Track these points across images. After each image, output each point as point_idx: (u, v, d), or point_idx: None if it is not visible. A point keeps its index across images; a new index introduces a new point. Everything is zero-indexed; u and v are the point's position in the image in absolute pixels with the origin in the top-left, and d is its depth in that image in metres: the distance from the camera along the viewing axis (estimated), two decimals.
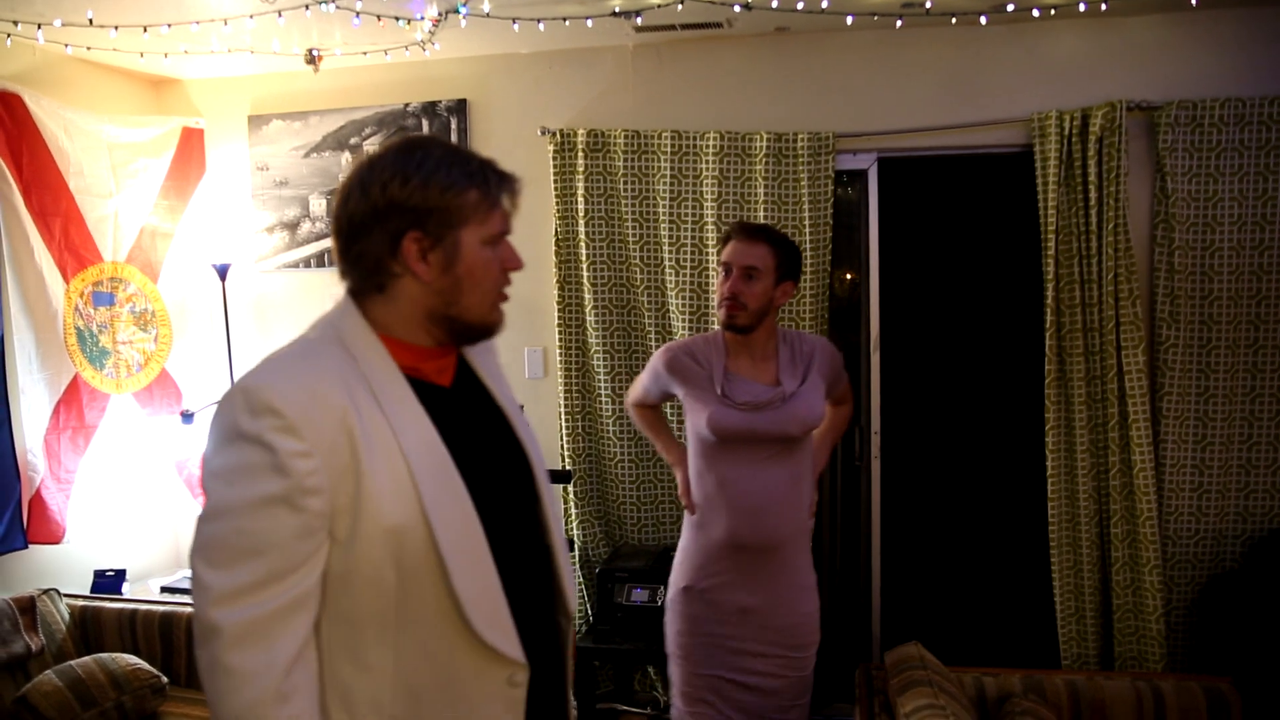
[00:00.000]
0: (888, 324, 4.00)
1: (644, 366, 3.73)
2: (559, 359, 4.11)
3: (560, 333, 4.09)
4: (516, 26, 3.54)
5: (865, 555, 4.08)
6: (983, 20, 3.56)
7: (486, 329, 1.55)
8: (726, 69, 3.97)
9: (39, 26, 3.33)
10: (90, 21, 3.22)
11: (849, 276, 4.34)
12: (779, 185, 3.86)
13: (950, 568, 4.78)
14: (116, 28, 3.21)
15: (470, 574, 1.44)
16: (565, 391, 4.11)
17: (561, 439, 4.13)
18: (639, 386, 3.09)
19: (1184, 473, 3.65)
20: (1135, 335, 3.58)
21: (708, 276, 3.93)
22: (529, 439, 1.64)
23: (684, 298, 3.97)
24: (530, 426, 1.68)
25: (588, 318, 4.08)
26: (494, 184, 1.49)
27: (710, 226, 3.91)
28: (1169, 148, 3.57)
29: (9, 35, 3.40)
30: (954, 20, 3.60)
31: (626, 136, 3.97)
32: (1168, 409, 3.63)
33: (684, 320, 3.97)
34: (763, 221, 3.80)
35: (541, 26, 3.57)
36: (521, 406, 1.73)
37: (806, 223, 3.83)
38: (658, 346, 4.01)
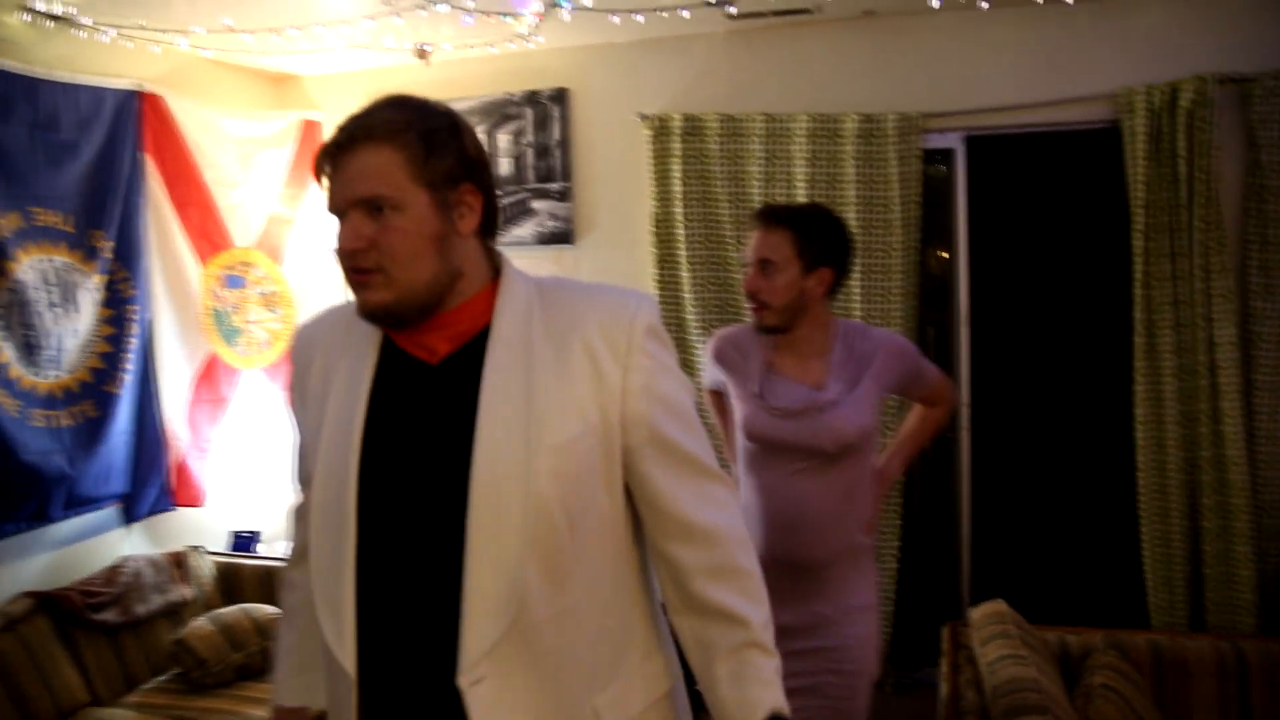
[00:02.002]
0: (979, 299, 4.09)
1: None
2: None
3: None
4: (615, 19, 3.73)
5: (955, 523, 4.20)
6: None
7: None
8: (815, 52, 4.10)
9: (183, 34, 3.64)
10: (229, 28, 3.50)
11: (943, 254, 4.43)
12: (868, 165, 3.97)
13: (1040, 537, 4.85)
14: (252, 33, 3.49)
15: (325, 557, 1.39)
16: None
17: None
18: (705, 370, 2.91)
19: (1279, 444, 3.68)
20: (1227, 308, 3.61)
21: None
22: (499, 458, 1.33)
23: None
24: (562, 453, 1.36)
25: (685, 295, 4.26)
26: (320, 160, 1.42)
27: None
28: (1262, 120, 3.58)
29: (156, 43, 3.71)
30: None
31: (720, 120, 4.14)
32: (1261, 381, 3.65)
33: None
34: (852, 200, 3.93)
35: (639, 18, 3.75)
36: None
37: (896, 202, 3.94)
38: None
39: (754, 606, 1.42)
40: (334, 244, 1.38)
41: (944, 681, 2.62)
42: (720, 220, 4.19)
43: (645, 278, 4.30)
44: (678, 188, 4.21)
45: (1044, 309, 4.97)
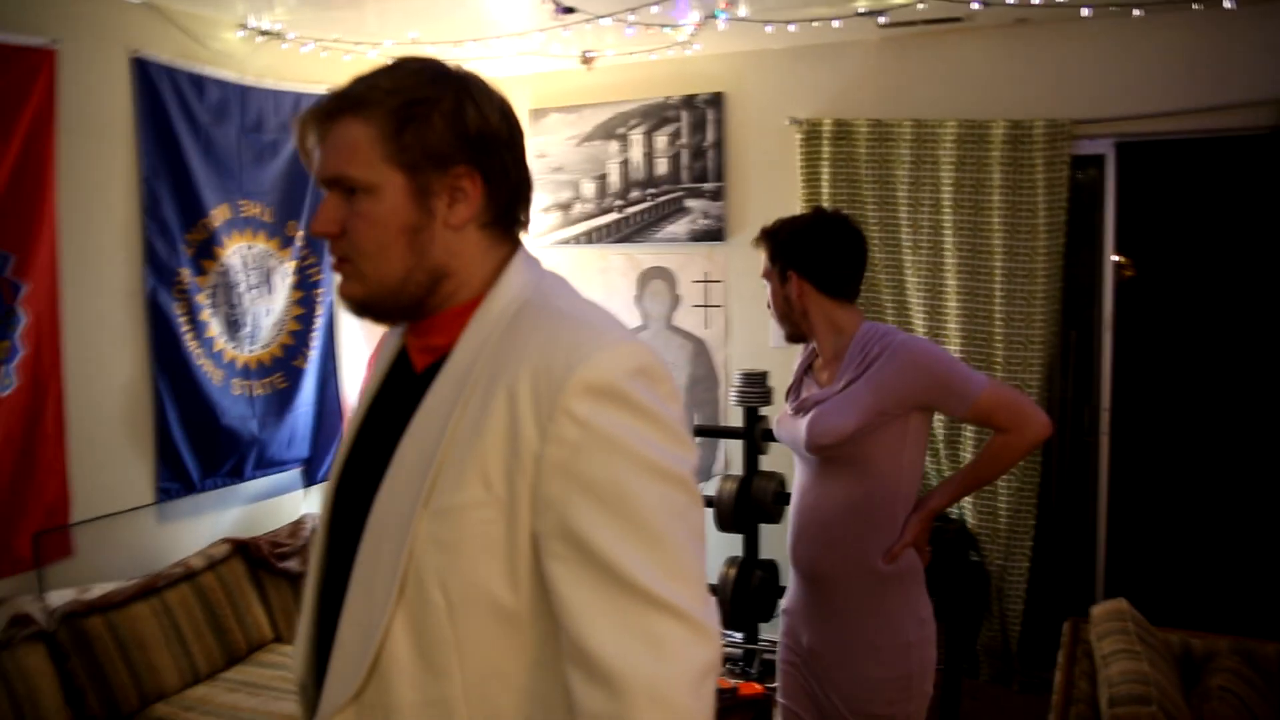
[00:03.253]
0: (1127, 305, 4.09)
1: None
2: None
3: None
4: (769, 29, 3.91)
5: (1091, 525, 4.21)
6: (1227, 3, 3.59)
7: None
8: (966, 59, 4.17)
9: (374, 45, 4.02)
10: (415, 41, 3.86)
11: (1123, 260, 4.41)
12: (1015, 171, 4.03)
13: (1179, 541, 4.78)
14: (435, 44, 3.84)
15: (312, 560, 1.32)
16: None
17: None
18: None
19: None
20: None
21: (943, 257, 4.16)
22: (415, 478, 1.14)
23: (921, 276, 4.22)
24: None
25: None
26: (302, 128, 1.24)
27: (948, 210, 4.14)
28: None
29: (349, 53, 4.10)
30: (1195, 5, 3.65)
31: (869, 125, 4.26)
32: None
33: (920, 298, 4.22)
34: (997, 205, 4.00)
35: (791, 28, 3.92)
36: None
37: (1042, 207, 3.98)
38: (895, 320, 4.31)
39: None
40: None
41: (1059, 671, 2.71)
42: (867, 222, 4.31)
43: None
44: (826, 190, 4.36)
45: (1193, 314, 4.89)
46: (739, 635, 4.34)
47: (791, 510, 2.41)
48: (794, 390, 2.47)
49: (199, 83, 3.80)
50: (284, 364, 4.20)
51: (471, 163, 1.18)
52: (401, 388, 1.25)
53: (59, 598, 3.21)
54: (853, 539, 2.25)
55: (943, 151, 4.13)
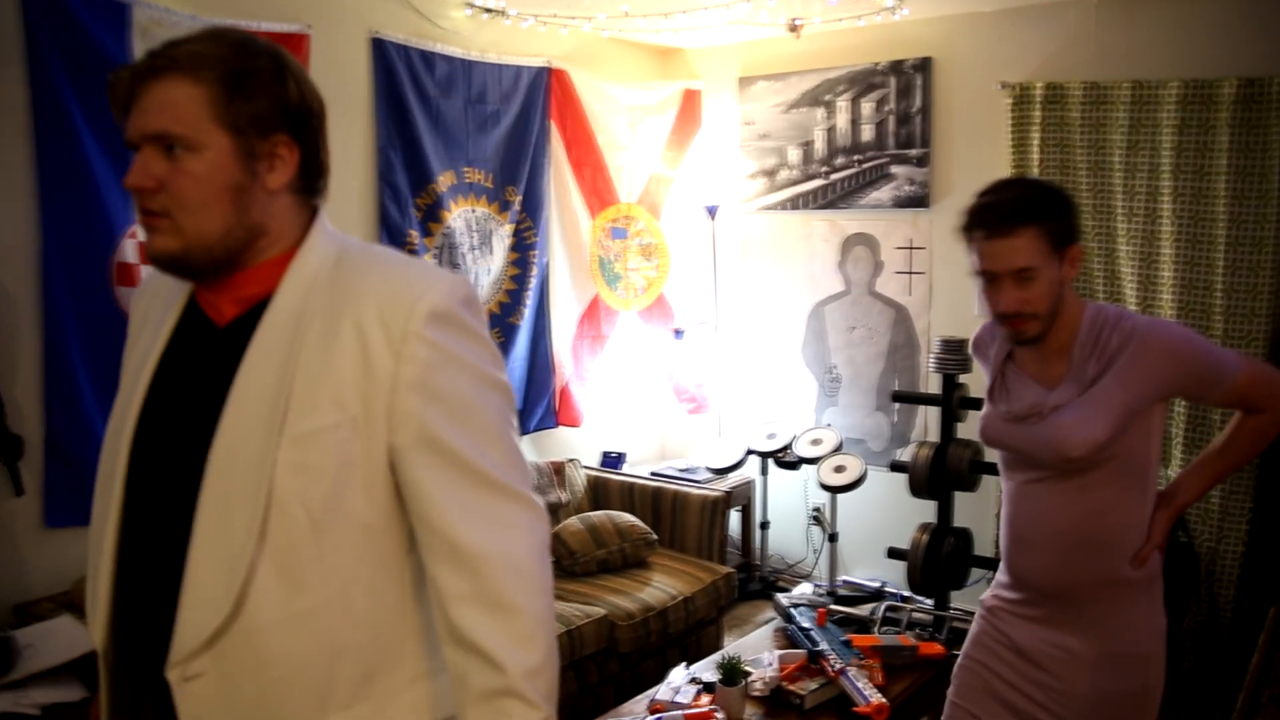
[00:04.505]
0: None
1: None
2: None
3: None
4: None
5: None
6: None
7: None
8: (1196, 15, 3.95)
9: (588, 18, 4.23)
10: (626, 14, 4.04)
11: None
12: (1245, 132, 3.80)
13: None
14: (646, 16, 4.00)
15: (95, 523, 1.31)
16: None
17: None
18: None
19: None
20: None
21: (1160, 225, 3.99)
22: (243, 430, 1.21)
23: (1134, 243, 4.06)
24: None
25: None
26: (117, 84, 1.26)
27: (1166, 175, 3.96)
28: None
29: (564, 26, 4.33)
30: None
31: (1084, 88, 4.12)
32: None
33: (1133, 265, 4.07)
34: (1223, 170, 3.80)
35: None
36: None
37: (1276, 171, 3.75)
38: (1105, 292, 4.17)
39: (518, 650, 1.22)
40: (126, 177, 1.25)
41: (1257, 652, 2.63)
42: (1079, 187, 4.18)
43: None
44: (1035, 155, 4.25)
45: None
46: (929, 601, 4.36)
47: (1011, 520, 2.13)
48: (1000, 389, 2.13)
49: (429, 59, 4.12)
50: (500, 320, 4.51)
51: (289, 132, 1.26)
52: (198, 342, 1.30)
53: None
54: (1097, 548, 2.02)
55: (1164, 114, 3.95)
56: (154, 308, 1.37)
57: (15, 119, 2.99)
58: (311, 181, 1.31)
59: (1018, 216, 1.93)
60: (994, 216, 1.95)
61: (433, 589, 1.25)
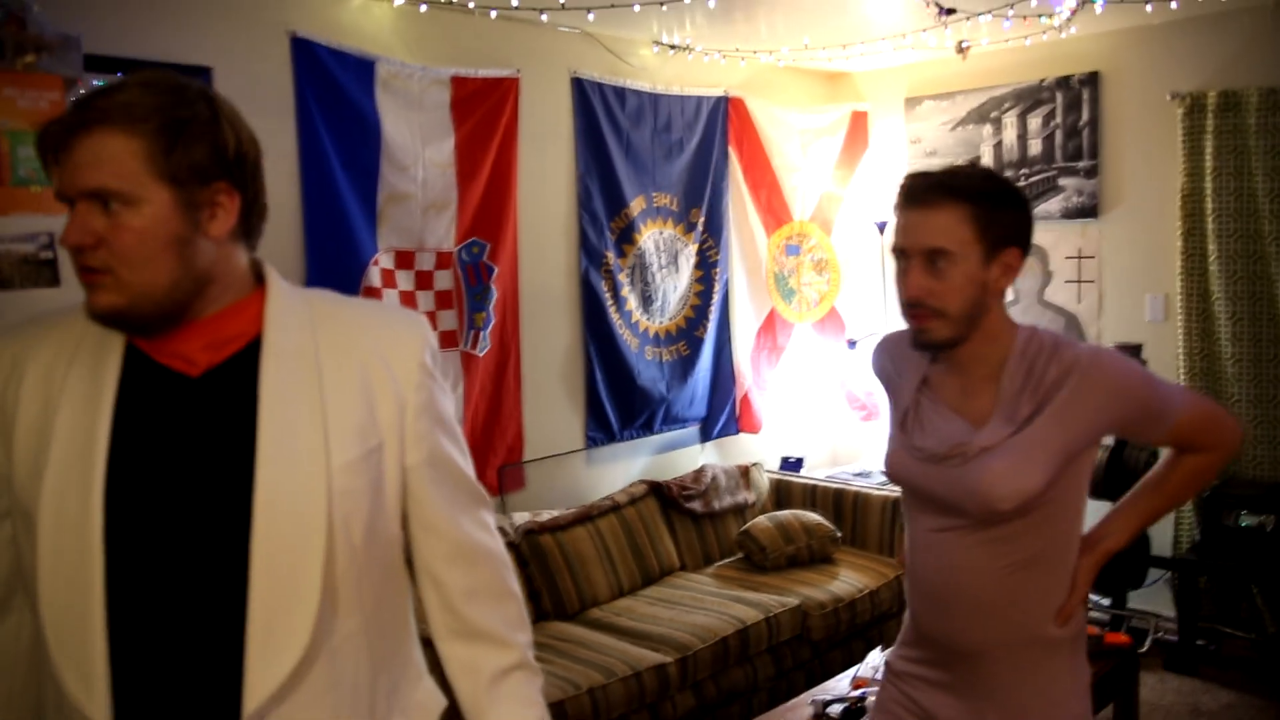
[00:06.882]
0: None
1: (1267, 314, 3.94)
2: (1180, 304, 4.48)
3: (1182, 280, 4.45)
4: (1149, 7, 3.98)
5: None
6: None
7: None
8: None
9: (769, 52, 4.54)
10: (807, 46, 4.33)
11: None
12: None
13: None
14: (824, 47, 4.28)
15: (61, 595, 1.19)
16: (1185, 335, 4.47)
17: (1180, 380, 4.49)
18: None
19: None
20: None
21: None
22: (297, 473, 1.23)
23: None
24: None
25: (1210, 267, 4.38)
26: (45, 138, 1.20)
27: None
28: None
29: (743, 59, 4.65)
30: None
31: (1260, 95, 4.19)
32: None
33: None
34: None
35: (1174, 4, 3.97)
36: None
37: None
38: None
39: (518, 630, 1.43)
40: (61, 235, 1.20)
41: None
42: (1255, 195, 4.25)
43: (1169, 250, 4.48)
44: (1209, 162, 4.34)
45: None
46: (1106, 601, 4.46)
47: (919, 574, 1.86)
48: (913, 418, 1.84)
49: (620, 93, 4.50)
50: (686, 334, 4.84)
51: (229, 179, 1.23)
52: (165, 394, 1.25)
53: (518, 519, 4.01)
54: (1015, 605, 1.76)
55: None
56: (53, 366, 1.26)
57: (288, 164, 3.49)
58: (253, 225, 1.31)
59: (941, 189, 1.70)
60: (918, 184, 1.73)
61: (436, 591, 1.39)
